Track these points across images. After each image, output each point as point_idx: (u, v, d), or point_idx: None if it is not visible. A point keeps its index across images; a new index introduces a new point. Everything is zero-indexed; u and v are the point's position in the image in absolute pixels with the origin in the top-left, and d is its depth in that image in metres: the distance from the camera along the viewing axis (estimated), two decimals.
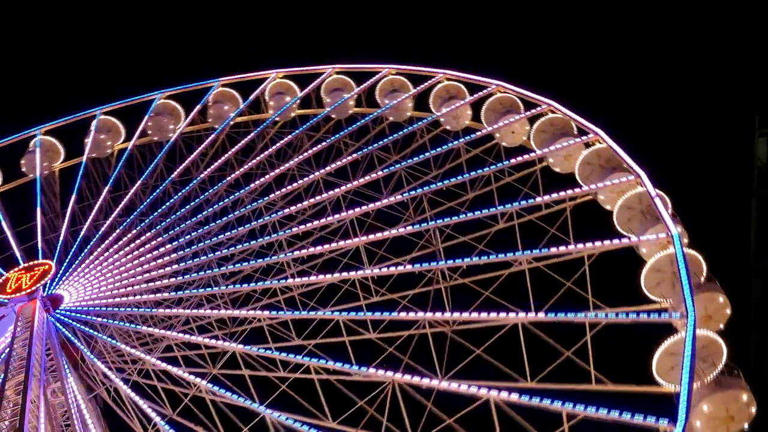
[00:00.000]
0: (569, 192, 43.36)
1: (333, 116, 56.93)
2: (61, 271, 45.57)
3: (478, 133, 51.14)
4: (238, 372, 40.18)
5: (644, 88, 74.15)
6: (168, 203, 49.67)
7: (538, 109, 49.53)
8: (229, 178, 50.97)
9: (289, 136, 53.98)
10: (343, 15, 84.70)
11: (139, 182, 52.48)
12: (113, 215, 49.52)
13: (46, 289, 43.76)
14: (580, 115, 47.01)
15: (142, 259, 45.92)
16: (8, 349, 40.64)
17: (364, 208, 45.65)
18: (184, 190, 50.66)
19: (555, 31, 78.84)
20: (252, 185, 49.97)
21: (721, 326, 38.44)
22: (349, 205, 47.43)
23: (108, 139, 59.53)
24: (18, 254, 48.08)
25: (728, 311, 38.82)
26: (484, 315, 37.53)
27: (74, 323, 42.43)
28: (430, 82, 54.65)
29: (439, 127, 53.43)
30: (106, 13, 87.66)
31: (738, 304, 39.47)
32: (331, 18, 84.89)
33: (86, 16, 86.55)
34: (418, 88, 55.14)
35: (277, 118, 57.48)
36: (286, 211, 47.15)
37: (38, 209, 51.70)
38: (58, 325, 42.51)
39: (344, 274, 42.12)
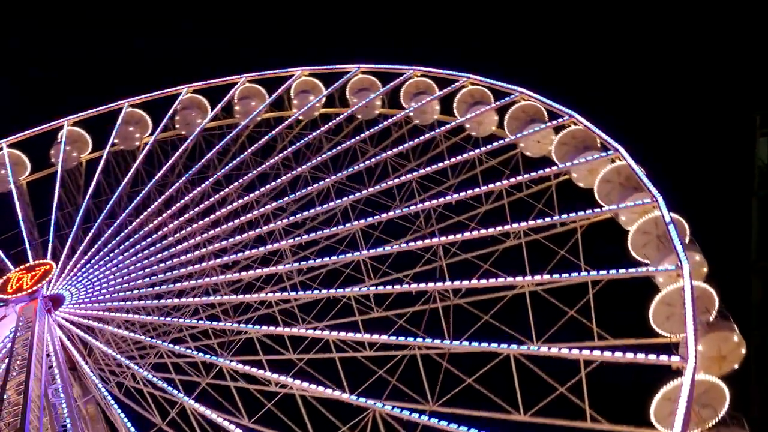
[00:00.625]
0: (581, 213, 41.05)
1: (359, 116, 55.78)
2: (65, 270, 45.62)
3: (502, 141, 49.17)
4: (226, 383, 39.59)
5: (644, 88, 72.84)
6: (178, 204, 49.24)
7: (561, 120, 47.37)
8: (241, 180, 50.25)
9: (306, 138, 52.99)
10: (371, 15, 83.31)
11: (155, 180, 52.22)
12: (124, 214, 49.41)
13: (48, 289, 43.87)
14: (598, 126, 44.85)
15: (145, 261, 45.61)
16: (9, 349, 40.65)
17: (370, 219, 44.37)
18: (195, 191, 50.09)
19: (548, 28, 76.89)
20: (263, 188, 49.14)
21: (736, 366, 36.26)
22: (359, 214, 46.38)
23: (136, 131, 59.46)
24: (29, 251, 48.37)
25: (743, 351, 36.51)
26: (475, 344, 35.78)
27: (72, 326, 42.34)
28: (455, 86, 52.99)
29: (461, 132, 51.69)
30: (134, 5, 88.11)
31: (738, 304, 38.47)
32: (358, 17, 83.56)
33: (114, 7, 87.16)
34: (443, 91, 53.48)
35: (300, 117, 56.72)
36: (292, 219, 46.18)
37: (54, 205, 51.75)
38: (56, 328, 42.43)
39: (340, 291, 41.06)
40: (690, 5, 70.74)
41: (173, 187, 50.84)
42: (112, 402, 38.35)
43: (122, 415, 37.11)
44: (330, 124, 54.14)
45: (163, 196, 50.28)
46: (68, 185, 55.75)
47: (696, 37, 70.82)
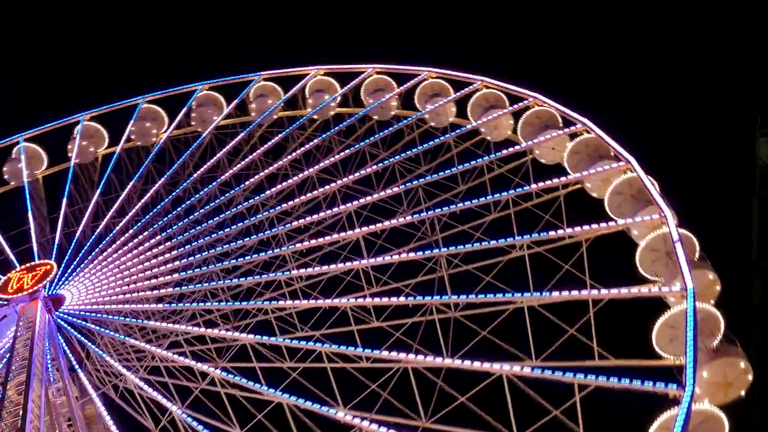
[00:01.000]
0: (586, 228, 39.68)
1: (375, 117, 54.88)
2: (69, 270, 45.65)
3: (516, 147, 47.95)
4: (220, 389, 39.24)
5: (646, 87, 72.96)
6: (184, 205, 48.92)
7: (575, 128, 46.00)
8: (248, 182, 49.76)
9: (316, 140, 52.29)
10: (388, 15, 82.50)
11: (164, 179, 51.98)
12: (130, 214, 49.21)
13: (49, 289, 43.95)
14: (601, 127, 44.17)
15: (147, 264, 45.45)
16: (10, 349, 40.76)
17: (372, 227, 43.68)
18: (202, 192, 49.76)
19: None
20: (269, 191, 48.63)
21: (742, 393, 34.80)
22: (365, 219, 45.70)
23: (152, 127, 59.17)
24: (35, 248, 48.50)
25: (750, 377, 34.93)
26: (467, 363, 34.84)
27: (70, 327, 42.37)
28: (469, 88, 51.83)
29: (473, 136, 50.49)
30: (144, 4, 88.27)
31: (739, 304, 37.80)
32: (373, 17, 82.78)
33: (121, 6, 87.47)
34: (458, 93, 52.36)
35: (315, 116, 56.07)
36: (295, 224, 45.63)
37: (64, 201, 51.84)
38: (60, 323, 42.57)
39: (336, 301, 40.52)
40: (691, 6, 70.59)
41: (181, 188, 50.52)
42: (100, 406, 38.11)
43: (109, 420, 36.88)
44: (341, 125, 53.41)
45: (171, 196, 50.00)
46: (81, 181, 55.75)
47: (697, 37, 70.71)
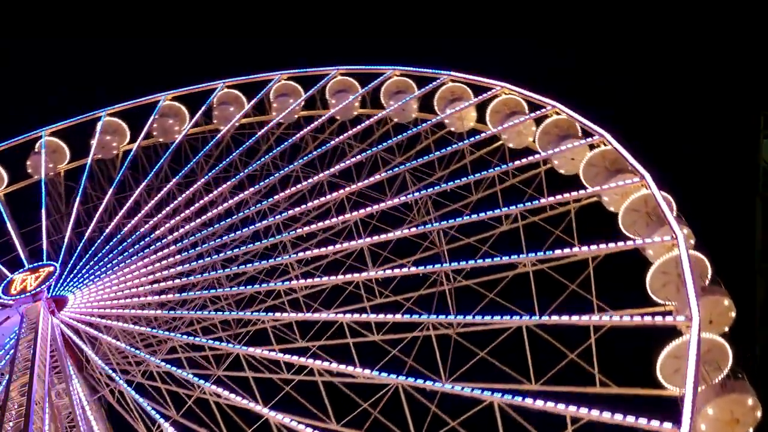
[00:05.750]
0: (594, 248, 38.08)
1: (396, 119, 53.78)
2: (65, 273, 45.60)
3: (533, 157, 46.39)
4: (212, 398, 38.80)
5: (648, 87, 72.11)
6: (194, 206, 48.56)
7: (592, 139, 44.30)
8: (258, 186, 49.16)
9: (331, 143, 51.46)
10: (409, 16, 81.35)
11: (176, 179, 51.69)
12: (139, 215, 49.05)
13: (51, 290, 44.00)
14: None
15: (151, 267, 45.16)
16: (13, 350, 40.92)
17: (377, 238, 42.84)
18: (212, 194, 49.36)
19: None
20: (277, 196, 47.99)
21: (750, 430, 33.10)
22: (373, 227, 44.87)
23: (174, 124, 58.91)
24: (44, 248, 48.63)
25: (758, 414, 33.16)
26: (458, 389, 33.90)
27: (69, 330, 42.36)
28: (489, 93, 50.32)
29: (490, 143, 49.05)
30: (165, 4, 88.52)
31: (743, 304, 37.48)
32: (394, 18, 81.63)
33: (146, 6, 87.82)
34: (477, 98, 50.95)
35: (337, 117, 55.26)
36: (299, 231, 44.91)
37: (78, 199, 51.89)
38: (62, 326, 42.63)
39: (332, 316, 39.80)
40: (694, 5, 69.25)
41: (191, 189, 50.17)
42: (89, 410, 38.08)
43: (94, 423, 36.79)
44: (358, 128, 52.38)
45: (182, 197, 49.66)
46: (99, 177, 55.76)
47: (700, 36, 69.33)
